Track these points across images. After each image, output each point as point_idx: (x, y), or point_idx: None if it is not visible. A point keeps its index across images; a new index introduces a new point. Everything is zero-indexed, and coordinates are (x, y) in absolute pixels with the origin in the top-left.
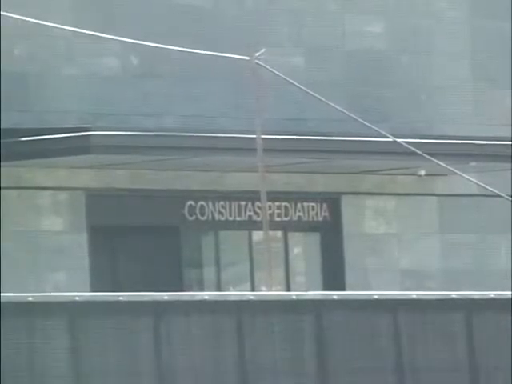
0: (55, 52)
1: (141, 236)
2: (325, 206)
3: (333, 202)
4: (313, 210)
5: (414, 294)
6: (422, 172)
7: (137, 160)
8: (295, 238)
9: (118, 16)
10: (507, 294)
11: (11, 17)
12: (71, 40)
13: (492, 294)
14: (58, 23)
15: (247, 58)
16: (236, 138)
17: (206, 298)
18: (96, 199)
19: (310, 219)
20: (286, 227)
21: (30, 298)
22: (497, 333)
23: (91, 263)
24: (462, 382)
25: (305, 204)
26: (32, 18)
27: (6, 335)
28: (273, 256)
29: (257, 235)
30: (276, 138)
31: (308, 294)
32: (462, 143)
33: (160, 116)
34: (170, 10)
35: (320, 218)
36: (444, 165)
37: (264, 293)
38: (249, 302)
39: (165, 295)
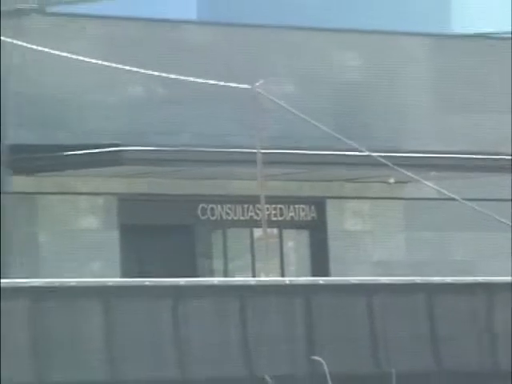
0: (93, 82)
1: (162, 233)
2: (313, 208)
3: (319, 204)
4: (303, 211)
5: (384, 279)
6: (392, 180)
7: (158, 170)
8: (288, 234)
9: (141, 52)
10: (463, 279)
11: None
12: (107, 70)
13: (449, 279)
14: (94, 55)
15: (249, 86)
16: (240, 152)
17: (216, 282)
18: (126, 202)
19: (301, 219)
20: (280, 225)
21: (73, 283)
22: (453, 311)
23: (121, 255)
24: (425, 348)
25: (296, 206)
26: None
27: (52, 315)
28: (270, 249)
29: (257, 232)
30: (272, 152)
31: (299, 280)
32: (424, 156)
33: (177, 134)
34: (186, 48)
35: (309, 218)
36: (410, 174)
37: (263, 279)
38: (250, 286)
39: (182, 281)
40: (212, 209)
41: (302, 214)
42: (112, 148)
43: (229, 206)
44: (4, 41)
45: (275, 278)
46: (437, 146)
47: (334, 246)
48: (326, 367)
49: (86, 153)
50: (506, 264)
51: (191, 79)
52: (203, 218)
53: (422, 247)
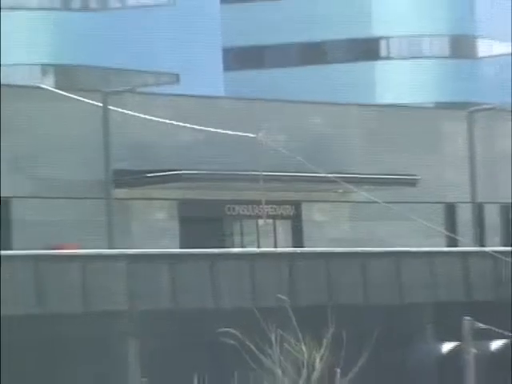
0: (163, 133)
1: (204, 222)
2: (293, 207)
3: (297, 205)
4: (287, 209)
5: (339, 250)
6: (341, 190)
7: (202, 185)
8: (279, 223)
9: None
10: (394, 249)
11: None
12: (172, 127)
13: (381, 249)
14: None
15: (255, 135)
16: (250, 176)
17: (235, 251)
18: (182, 204)
19: (286, 214)
20: (274, 218)
21: (153, 252)
22: (385, 274)
23: (180, 236)
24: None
25: (283, 206)
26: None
27: (129, 277)
28: (268, 232)
29: (260, 221)
30: (269, 174)
31: (285, 250)
32: (357, 177)
33: (211, 163)
34: (218, 112)
35: (291, 213)
36: (350, 187)
37: (263, 249)
38: (256, 254)
39: (216, 251)
40: (233, 208)
41: (287, 210)
42: (174, 172)
43: (243, 206)
44: (111, 109)
45: (270, 249)
46: (364, 170)
47: (306, 231)
48: (288, 304)
49: (159, 174)
50: (410, 241)
51: (221, 131)
52: (228, 213)
53: (359, 231)
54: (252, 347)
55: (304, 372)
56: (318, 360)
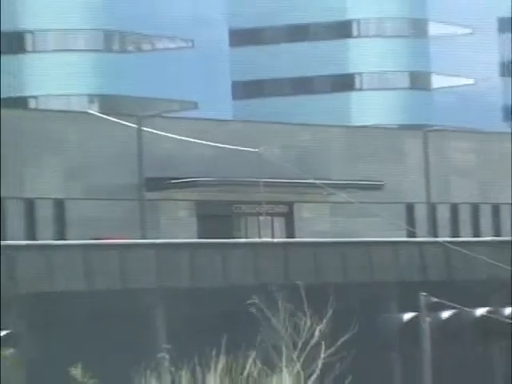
0: (185, 149)
1: (216, 219)
2: (287, 207)
3: (290, 205)
4: (282, 208)
5: (323, 240)
6: (324, 193)
7: (213, 189)
8: (275, 220)
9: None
10: (366, 240)
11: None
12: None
13: (361, 239)
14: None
15: (257, 150)
16: (252, 182)
17: (242, 241)
18: (199, 204)
19: (281, 212)
20: (272, 215)
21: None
22: (359, 259)
23: (197, 229)
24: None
25: (279, 205)
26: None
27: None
28: (266, 226)
29: (261, 218)
30: (269, 181)
31: (280, 240)
32: (340, 182)
33: (222, 172)
34: (227, 132)
35: (285, 211)
36: (333, 190)
37: (263, 239)
38: (257, 243)
39: (226, 241)
40: (240, 207)
41: (282, 209)
42: (192, 179)
43: (247, 205)
44: (144, 129)
45: (268, 240)
46: (342, 177)
47: (297, 225)
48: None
49: (180, 181)
50: (378, 233)
51: (229, 147)
52: (235, 211)
53: (339, 226)
54: (264, 312)
55: (303, 335)
56: (317, 331)
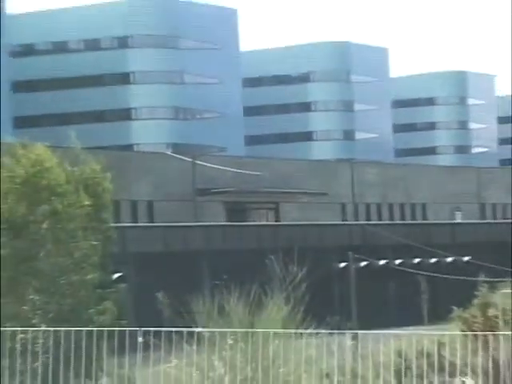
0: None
1: (236, 211)
2: (275, 205)
3: (277, 206)
4: (272, 205)
5: (297, 223)
6: (299, 197)
7: (233, 195)
8: (269, 212)
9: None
10: (322, 223)
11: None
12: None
13: (318, 222)
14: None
15: (259, 173)
16: (256, 191)
17: (250, 224)
18: (226, 203)
19: (272, 207)
20: (267, 209)
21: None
22: (318, 236)
23: (225, 217)
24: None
25: (270, 204)
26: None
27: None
28: (264, 216)
29: (261, 211)
30: (265, 191)
31: (272, 223)
32: (306, 191)
33: (239, 185)
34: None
35: (274, 207)
36: (302, 196)
37: (263, 223)
38: (259, 225)
39: (242, 223)
40: (249, 205)
41: (273, 206)
42: (221, 189)
43: (253, 204)
44: (197, 162)
45: (265, 223)
46: (307, 189)
47: (282, 217)
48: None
49: (216, 191)
50: (327, 219)
51: (243, 171)
52: (247, 207)
53: (307, 215)
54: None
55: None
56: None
